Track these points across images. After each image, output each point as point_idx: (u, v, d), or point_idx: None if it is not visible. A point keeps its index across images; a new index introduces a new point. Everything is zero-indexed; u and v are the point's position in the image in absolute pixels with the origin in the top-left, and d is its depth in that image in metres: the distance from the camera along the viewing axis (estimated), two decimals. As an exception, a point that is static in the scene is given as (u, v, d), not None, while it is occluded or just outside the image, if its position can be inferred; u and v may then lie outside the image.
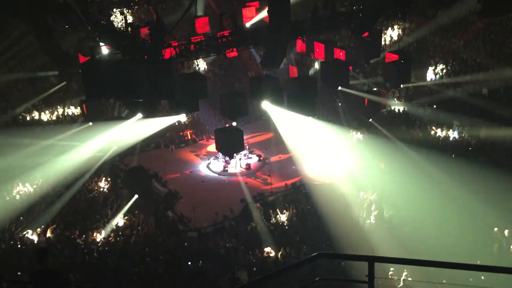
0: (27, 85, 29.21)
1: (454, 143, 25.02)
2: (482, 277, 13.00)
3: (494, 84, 26.21)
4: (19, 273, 15.38)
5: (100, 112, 18.97)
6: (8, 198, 21.71)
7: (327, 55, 19.05)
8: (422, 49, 30.85)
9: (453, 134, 25.39)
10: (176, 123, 28.90)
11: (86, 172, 23.00)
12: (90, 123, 19.77)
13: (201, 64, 33.51)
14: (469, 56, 29.16)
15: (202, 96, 17.30)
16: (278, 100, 16.89)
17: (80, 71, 18.48)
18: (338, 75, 18.02)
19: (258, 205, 22.00)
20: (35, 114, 28.44)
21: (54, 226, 19.60)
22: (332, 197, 22.35)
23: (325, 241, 18.67)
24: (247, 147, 26.49)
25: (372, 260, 4.98)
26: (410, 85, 25.99)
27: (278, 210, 21.17)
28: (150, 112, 20.41)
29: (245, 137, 22.78)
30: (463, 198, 19.05)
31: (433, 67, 29.71)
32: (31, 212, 20.43)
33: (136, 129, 22.58)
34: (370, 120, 25.57)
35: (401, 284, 15.90)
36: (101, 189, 23.19)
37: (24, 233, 19.10)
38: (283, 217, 20.89)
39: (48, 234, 19.28)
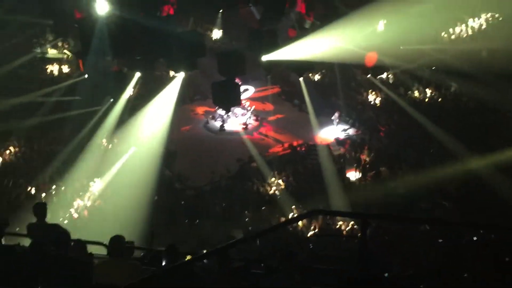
0: (22, 43, 28.60)
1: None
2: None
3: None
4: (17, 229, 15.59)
5: (97, 67, 18.81)
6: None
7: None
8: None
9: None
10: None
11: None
12: (86, 76, 19.52)
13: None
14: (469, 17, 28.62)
15: (200, 54, 17.20)
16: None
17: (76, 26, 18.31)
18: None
19: (255, 164, 22.12)
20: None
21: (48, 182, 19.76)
22: (330, 157, 22.51)
23: (322, 202, 18.85)
24: (245, 105, 26.38)
25: (366, 217, 5.05)
26: (410, 47, 25.61)
27: (274, 171, 21.28)
28: (148, 69, 20.29)
29: (243, 95, 22.71)
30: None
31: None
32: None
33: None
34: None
35: None
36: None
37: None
38: (279, 178, 20.98)
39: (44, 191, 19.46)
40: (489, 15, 27.94)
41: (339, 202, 18.34)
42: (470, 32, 28.18)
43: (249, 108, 26.74)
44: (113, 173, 20.85)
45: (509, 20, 25.50)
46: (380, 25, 21.70)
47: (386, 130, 23.98)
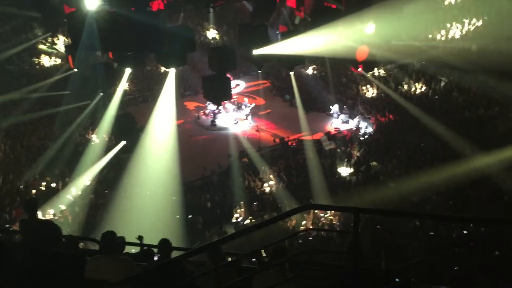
0: (10, 35, 28.40)
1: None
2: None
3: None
4: (7, 225, 15.50)
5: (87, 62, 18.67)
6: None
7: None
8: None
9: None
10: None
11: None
12: (75, 70, 19.39)
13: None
14: (460, 13, 28.85)
15: (191, 50, 17.10)
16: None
17: (65, 21, 18.14)
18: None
19: (246, 159, 22.09)
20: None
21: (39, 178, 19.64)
22: (320, 153, 22.53)
23: (312, 196, 18.87)
24: (235, 101, 26.32)
25: (358, 211, 5.04)
26: (401, 43, 25.70)
27: (265, 166, 21.25)
28: (138, 65, 20.14)
29: (234, 90, 22.52)
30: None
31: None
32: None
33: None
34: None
35: None
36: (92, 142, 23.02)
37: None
38: (270, 173, 20.93)
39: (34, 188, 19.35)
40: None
41: (328, 197, 18.40)
42: (462, 30, 28.55)
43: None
44: (101, 168, 20.79)
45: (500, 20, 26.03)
46: (370, 26, 21.84)
47: (377, 125, 24.07)
